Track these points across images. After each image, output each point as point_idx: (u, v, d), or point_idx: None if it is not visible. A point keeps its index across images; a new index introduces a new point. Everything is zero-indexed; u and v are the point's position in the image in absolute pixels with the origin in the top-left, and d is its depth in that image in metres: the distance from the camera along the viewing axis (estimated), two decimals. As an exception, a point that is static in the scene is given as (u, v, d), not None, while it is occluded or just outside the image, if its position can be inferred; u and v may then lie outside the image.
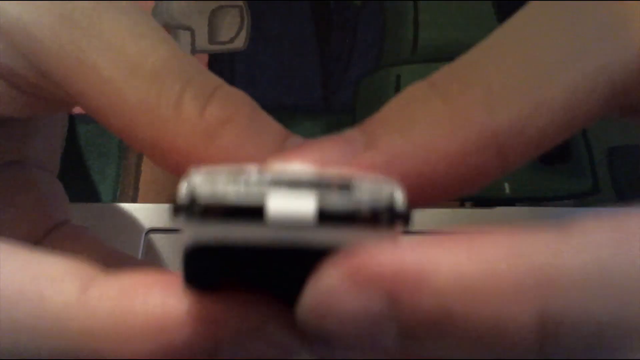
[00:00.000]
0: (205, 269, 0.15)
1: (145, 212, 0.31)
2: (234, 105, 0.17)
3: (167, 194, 0.33)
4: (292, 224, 0.13)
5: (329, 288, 0.14)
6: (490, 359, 0.14)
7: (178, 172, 0.17)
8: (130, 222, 0.31)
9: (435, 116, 0.15)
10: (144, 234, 0.31)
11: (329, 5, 0.37)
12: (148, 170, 0.34)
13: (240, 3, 0.37)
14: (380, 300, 0.13)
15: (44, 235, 0.22)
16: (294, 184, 0.14)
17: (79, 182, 0.34)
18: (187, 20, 0.37)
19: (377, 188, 0.14)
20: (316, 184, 0.14)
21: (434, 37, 0.36)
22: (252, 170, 0.14)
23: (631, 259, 0.13)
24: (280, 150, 0.16)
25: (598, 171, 0.35)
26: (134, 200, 0.34)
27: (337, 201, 0.13)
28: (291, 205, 0.13)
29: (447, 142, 0.15)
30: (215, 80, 0.17)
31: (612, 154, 0.35)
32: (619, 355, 0.14)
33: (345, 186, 0.14)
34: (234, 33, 0.36)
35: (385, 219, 0.14)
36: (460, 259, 0.13)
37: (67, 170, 0.24)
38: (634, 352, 0.14)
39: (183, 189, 0.14)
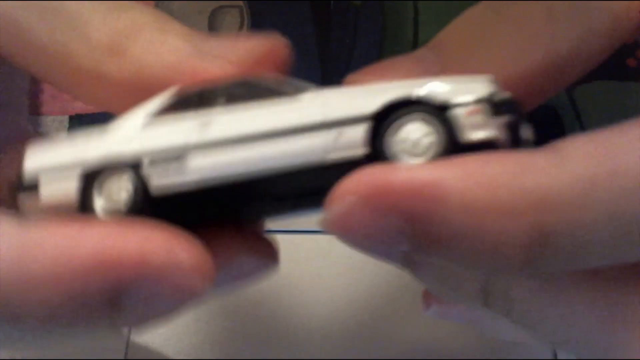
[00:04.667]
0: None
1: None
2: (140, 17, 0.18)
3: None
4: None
5: (347, 208, 0.15)
6: (487, 270, 0.16)
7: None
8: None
9: (504, 40, 0.17)
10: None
11: (329, 5, 0.37)
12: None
13: (240, 3, 0.37)
14: (396, 219, 0.15)
15: None
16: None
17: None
18: (187, 20, 0.37)
19: None
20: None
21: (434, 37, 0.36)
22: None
23: (615, 172, 0.14)
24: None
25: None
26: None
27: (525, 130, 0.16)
28: (525, 133, 0.16)
29: (517, 65, 0.17)
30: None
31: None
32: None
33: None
34: (233, 33, 0.36)
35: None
36: (468, 184, 0.14)
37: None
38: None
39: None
